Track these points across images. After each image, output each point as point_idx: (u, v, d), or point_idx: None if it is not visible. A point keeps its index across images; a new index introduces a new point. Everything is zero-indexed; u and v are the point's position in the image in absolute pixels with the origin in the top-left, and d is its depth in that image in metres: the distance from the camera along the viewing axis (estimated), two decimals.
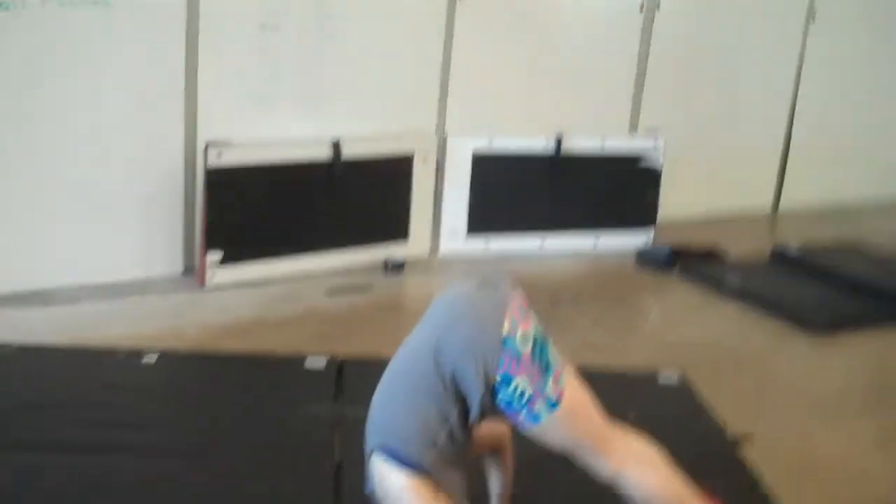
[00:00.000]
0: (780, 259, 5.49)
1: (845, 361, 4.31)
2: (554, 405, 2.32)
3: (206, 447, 3.11)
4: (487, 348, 2.29)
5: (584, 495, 2.84)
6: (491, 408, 2.35)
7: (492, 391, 2.31)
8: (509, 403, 2.32)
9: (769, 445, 3.44)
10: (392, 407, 2.37)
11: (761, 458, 3.29)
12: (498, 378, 2.29)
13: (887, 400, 3.97)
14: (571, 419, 2.36)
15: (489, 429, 2.55)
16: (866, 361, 4.33)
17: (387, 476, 2.33)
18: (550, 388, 2.31)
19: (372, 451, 2.38)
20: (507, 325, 2.30)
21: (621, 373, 3.79)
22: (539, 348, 2.32)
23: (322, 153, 4.81)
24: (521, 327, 2.31)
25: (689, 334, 4.49)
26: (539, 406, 2.31)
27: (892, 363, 4.33)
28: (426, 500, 2.29)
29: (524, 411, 2.32)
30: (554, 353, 2.37)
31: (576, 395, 2.37)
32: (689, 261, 5.39)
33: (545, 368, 2.31)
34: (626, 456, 2.41)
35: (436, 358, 2.32)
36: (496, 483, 2.69)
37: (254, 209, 4.69)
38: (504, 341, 2.29)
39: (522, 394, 2.30)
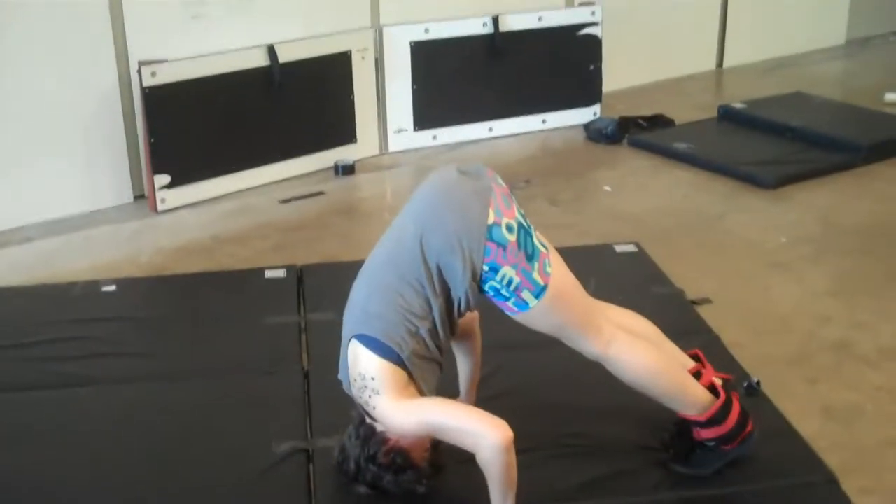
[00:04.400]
0: (727, 117, 5.51)
1: (796, 214, 4.38)
2: (541, 292, 2.35)
3: (177, 367, 3.14)
4: (473, 239, 2.31)
5: (553, 378, 2.93)
6: (477, 297, 2.39)
7: (479, 281, 2.34)
8: (497, 292, 2.36)
9: (728, 304, 3.52)
10: (375, 296, 2.39)
11: (721, 317, 3.37)
12: (485, 268, 2.32)
13: (838, 247, 4.05)
14: (558, 304, 2.40)
15: None
16: (816, 212, 4.40)
17: (360, 360, 2.37)
18: (537, 274, 2.34)
19: (349, 340, 2.41)
20: (491, 215, 2.32)
21: (579, 247, 3.84)
22: (524, 236, 2.35)
23: (258, 61, 4.74)
24: (505, 216, 2.33)
25: (643, 203, 4.54)
26: (526, 294, 2.35)
27: (840, 211, 4.41)
28: (396, 387, 2.34)
29: (512, 299, 2.36)
30: (538, 240, 2.39)
31: (562, 280, 2.40)
32: (637, 129, 5.40)
33: (531, 256, 2.34)
34: (611, 338, 2.45)
35: (421, 249, 2.33)
36: (465, 368, 2.73)
37: (196, 126, 4.62)
38: (489, 231, 2.30)
39: (510, 282, 2.34)
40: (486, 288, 2.36)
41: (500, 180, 2.44)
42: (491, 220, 2.32)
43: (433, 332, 2.38)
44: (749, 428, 2.53)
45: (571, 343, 2.48)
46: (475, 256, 2.31)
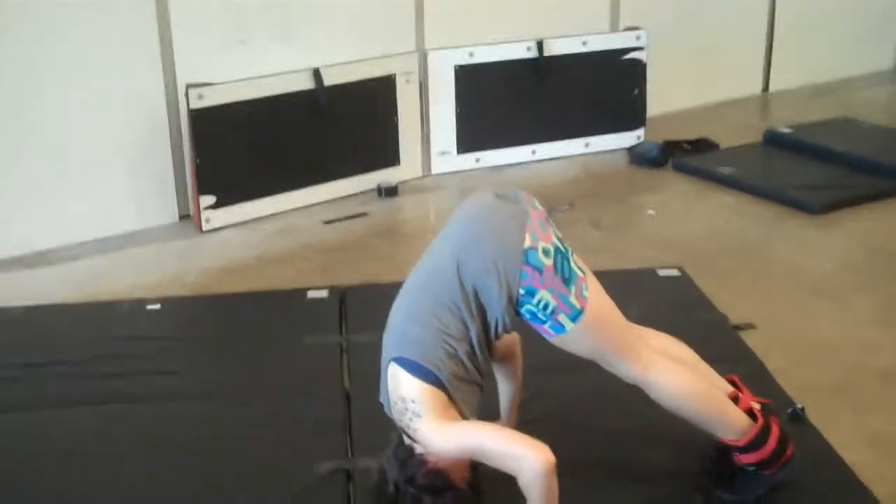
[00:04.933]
0: (773, 142, 5.47)
1: (842, 240, 4.33)
2: (578, 315, 2.35)
3: (219, 386, 3.17)
4: (509, 263, 2.31)
5: (594, 402, 2.91)
6: (514, 320, 2.38)
7: (515, 305, 2.34)
8: (534, 315, 2.35)
9: (772, 330, 3.48)
10: (412, 319, 2.40)
11: (765, 343, 3.33)
12: (521, 292, 2.32)
13: (885, 274, 4.00)
14: (595, 328, 2.39)
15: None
16: (863, 238, 4.35)
17: (401, 383, 2.37)
18: (574, 298, 2.34)
19: (389, 362, 2.41)
20: (528, 239, 2.32)
21: (622, 271, 3.82)
22: (561, 260, 2.34)
23: (304, 84, 4.78)
24: (542, 241, 2.33)
25: (687, 228, 4.51)
26: (563, 317, 2.34)
27: (887, 237, 4.35)
28: (437, 410, 2.34)
29: (549, 322, 2.36)
30: (575, 264, 2.39)
31: (599, 304, 2.40)
32: (682, 153, 5.38)
33: (568, 280, 2.34)
34: (650, 361, 2.44)
35: (458, 272, 2.34)
36: (506, 391, 2.73)
37: (242, 148, 4.68)
38: (525, 255, 2.30)
39: (546, 306, 2.33)
40: (523, 311, 2.36)
41: (537, 204, 2.44)
42: (527, 244, 2.31)
43: (471, 353, 2.38)
44: (790, 452, 2.50)
45: (609, 367, 2.47)
46: (511, 280, 2.31)
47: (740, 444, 2.47)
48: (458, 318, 2.35)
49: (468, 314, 2.35)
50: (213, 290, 3.96)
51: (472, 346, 2.37)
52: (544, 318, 2.35)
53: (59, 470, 2.76)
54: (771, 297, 3.79)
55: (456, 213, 2.49)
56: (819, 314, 3.66)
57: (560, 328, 2.36)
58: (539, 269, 2.31)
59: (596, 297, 2.39)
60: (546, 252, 2.33)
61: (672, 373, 2.46)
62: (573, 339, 2.39)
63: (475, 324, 2.36)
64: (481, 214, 2.41)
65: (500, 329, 2.39)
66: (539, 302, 2.33)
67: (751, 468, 2.50)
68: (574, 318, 2.35)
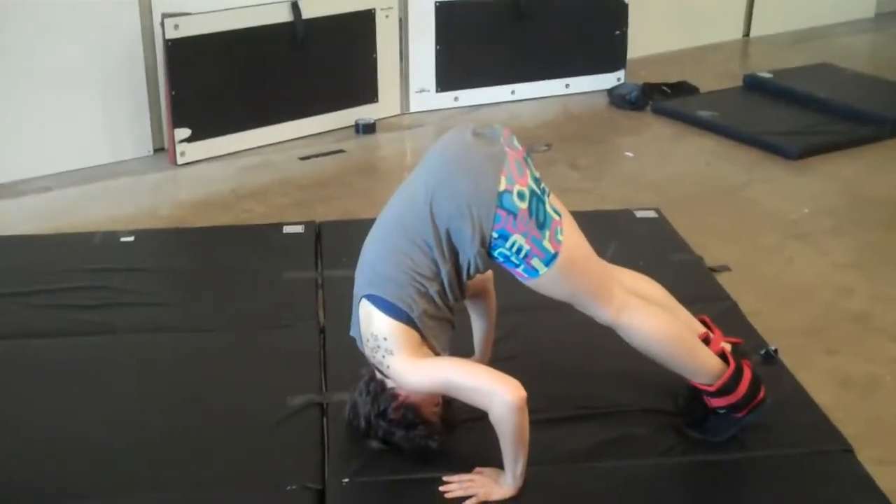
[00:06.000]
0: (753, 86, 5.45)
1: (819, 185, 4.34)
2: (551, 259, 2.33)
3: (192, 319, 3.14)
4: (483, 206, 2.28)
5: (568, 341, 2.91)
6: (486, 262, 2.37)
7: (487, 248, 2.32)
8: (507, 259, 2.34)
9: (747, 272, 3.50)
10: (384, 256, 2.38)
11: (740, 285, 3.34)
12: (494, 235, 2.30)
13: (860, 219, 4.01)
14: (569, 272, 2.38)
15: None
16: (840, 183, 4.36)
17: (373, 321, 2.36)
18: (547, 242, 2.32)
19: (360, 299, 2.40)
20: (503, 182, 2.28)
21: (599, 212, 3.81)
22: (536, 203, 2.31)
23: (282, 16, 4.70)
24: (517, 184, 2.30)
25: (665, 170, 4.50)
26: (536, 261, 2.33)
27: (864, 183, 4.36)
28: (409, 347, 2.34)
29: (522, 266, 2.34)
30: (552, 206, 2.36)
31: (573, 247, 2.37)
32: (661, 96, 5.35)
33: (542, 224, 2.31)
34: (623, 303, 2.43)
35: (431, 212, 2.31)
36: (479, 328, 2.72)
37: (218, 80, 4.61)
38: (500, 198, 2.28)
39: (520, 250, 2.31)
40: (496, 254, 2.34)
41: (516, 142, 2.40)
42: (502, 187, 2.28)
43: (442, 293, 2.36)
44: (762, 395, 2.51)
45: (583, 309, 2.46)
46: (484, 223, 2.29)
47: (712, 388, 2.47)
48: (430, 258, 2.33)
49: (439, 255, 2.33)
50: (188, 224, 3.93)
51: (442, 286, 2.36)
52: (517, 262, 2.34)
53: (32, 401, 2.74)
54: (747, 240, 3.80)
55: (433, 148, 2.45)
56: (794, 257, 3.68)
57: (534, 272, 2.34)
58: (513, 213, 2.29)
59: (571, 241, 2.37)
60: (521, 195, 2.30)
61: (645, 315, 2.45)
62: (547, 282, 2.37)
63: (446, 265, 2.34)
64: (458, 153, 2.38)
65: (472, 270, 2.37)
66: (512, 246, 2.31)
67: (721, 411, 2.51)
68: (548, 262, 2.33)
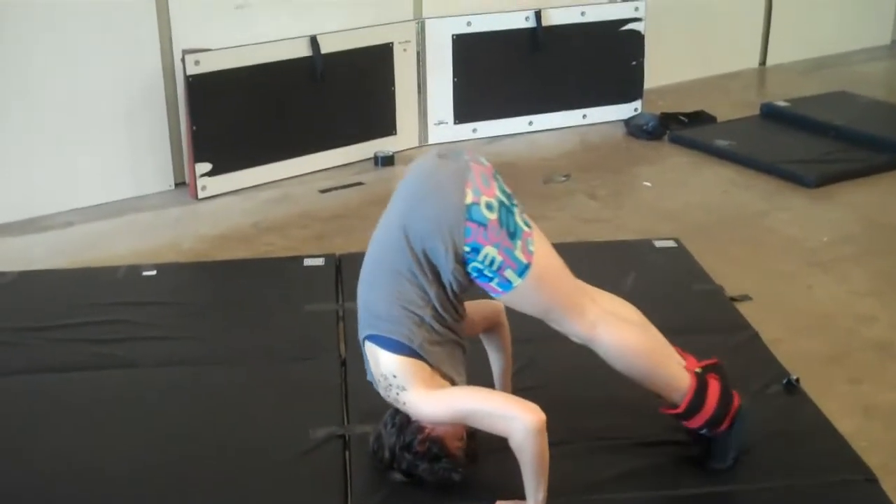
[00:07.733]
0: (769, 115, 5.46)
1: (838, 213, 4.34)
2: (524, 270, 2.33)
3: (214, 352, 3.17)
4: (452, 221, 2.29)
5: (585, 371, 2.90)
6: (465, 279, 2.37)
7: (462, 263, 2.33)
8: (480, 273, 2.34)
9: (768, 301, 3.49)
10: (375, 295, 2.40)
11: (761, 315, 3.34)
12: (467, 249, 2.30)
13: (879, 247, 4.00)
14: (542, 283, 2.38)
15: (481, 308, 2.58)
16: (858, 211, 4.35)
17: (379, 361, 2.38)
18: (520, 252, 2.32)
19: (363, 341, 2.42)
20: (470, 195, 2.29)
21: (618, 242, 3.82)
22: (506, 214, 2.32)
23: (301, 51, 4.76)
24: (484, 195, 2.30)
25: (683, 200, 4.51)
26: (510, 272, 2.33)
27: (882, 210, 4.35)
28: (420, 379, 2.35)
29: (496, 279, 2.34)
30: (521, 218, 2.37)
31: (546, 259, 2.38)
32: (679, 126, 5.37)
33: (513, 234, 2.32)
34: (597, 318, 2.42)
35: (407, 237, 2.33)
36: (496, 361, 2.72)
37: (238, 115, 4.65)
38: (468, 211, 2.28)
39: (493, 262, 2.32)
40: (470, 269, 2.34)
41: (482, 160, 2.41)
42: (469, 199, 2.29)
43: (437, 316, 2.37)
44: (736, 403, 2.47)
45: (557, 325, 2.44)
46: (456, 238, 2.29)
47: (679, 411, 2.45)
48: (417, 285, 2.35)
49: (424, 279, 2.34)
50: (209, 258, 3.95)
51: (436, 310, 2.36)
52: (491, 275, 2.33)
53: (54, 435, 2.76)
54: (767, 268, 3.79)
55: (401, 181, 2.48)
56: (814, 286, 3.67)
57: (507, 284, 2.34)
58: (483, 224, 2.29)
59: (543, 253, 2.37)
60: (489, 206, 2.30)
61: (619, 329, 2.44)
62: (521, 295, 2.37)
63: (433, 287, 2.35)
64: (423, 176, 2.39)
65: (455, 288, 2.37)
66: (485, 258, 2.31)
67: (703, 431, 2.49)
68: (521, 273, 2.33)
